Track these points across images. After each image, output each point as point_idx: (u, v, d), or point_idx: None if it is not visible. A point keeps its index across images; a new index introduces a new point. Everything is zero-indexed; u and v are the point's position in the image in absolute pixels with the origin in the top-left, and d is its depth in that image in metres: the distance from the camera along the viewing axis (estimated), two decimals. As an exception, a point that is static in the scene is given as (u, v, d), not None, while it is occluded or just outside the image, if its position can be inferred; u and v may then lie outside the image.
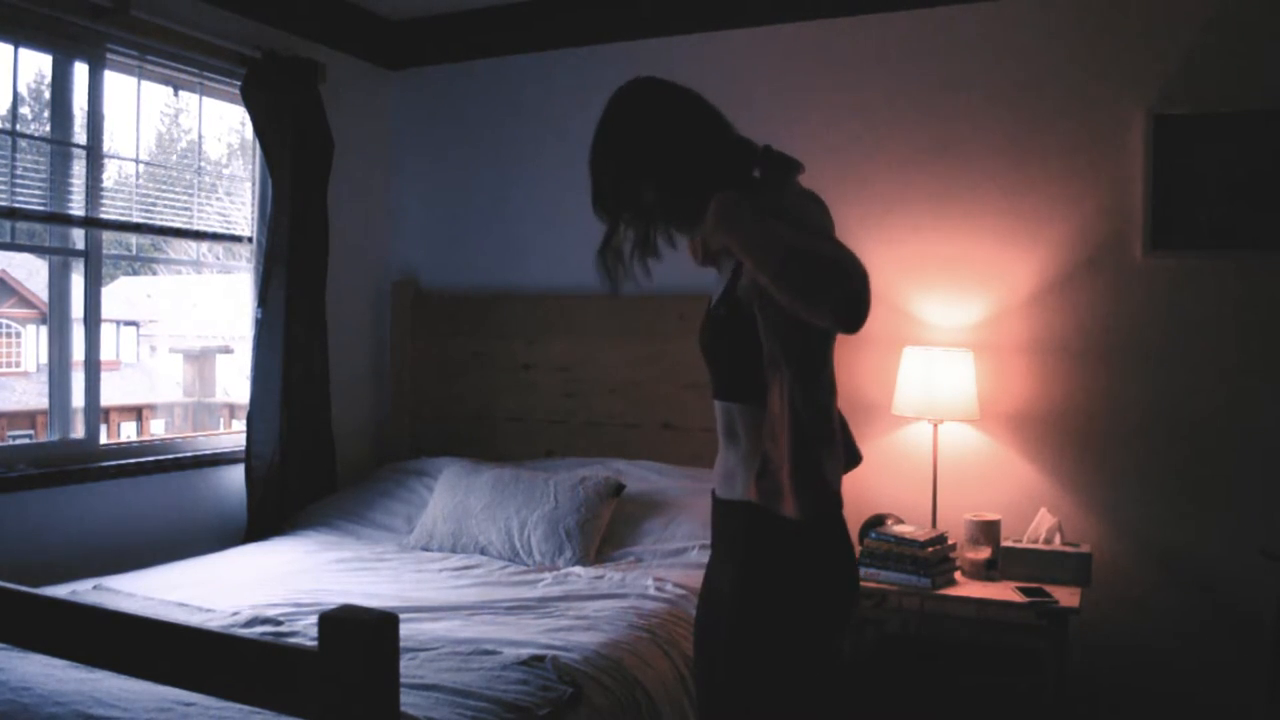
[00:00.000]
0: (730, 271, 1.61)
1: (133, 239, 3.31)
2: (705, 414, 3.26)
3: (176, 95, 3.43)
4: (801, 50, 3.40)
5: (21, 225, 2.93)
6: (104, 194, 3.08)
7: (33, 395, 5.57)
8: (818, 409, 1.55)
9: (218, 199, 3.54)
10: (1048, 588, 2.79)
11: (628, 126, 1.64)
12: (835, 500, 1.59)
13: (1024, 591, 2.77)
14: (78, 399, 3.06)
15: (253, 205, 3.55)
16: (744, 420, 1.59)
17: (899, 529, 2.96)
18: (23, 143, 2.95)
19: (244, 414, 3.43)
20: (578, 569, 2.88)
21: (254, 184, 3.56)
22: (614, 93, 1.66)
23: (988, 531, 2.96)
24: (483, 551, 3.07)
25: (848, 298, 1.37)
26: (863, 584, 2.82)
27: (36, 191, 2.91)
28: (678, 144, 1.62)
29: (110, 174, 3.21)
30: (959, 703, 2.92)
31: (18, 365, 6.13)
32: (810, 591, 1.57)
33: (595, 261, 1.66)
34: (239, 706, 1.63)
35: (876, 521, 3.05)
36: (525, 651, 2.11)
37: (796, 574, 1.56)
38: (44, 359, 3.10)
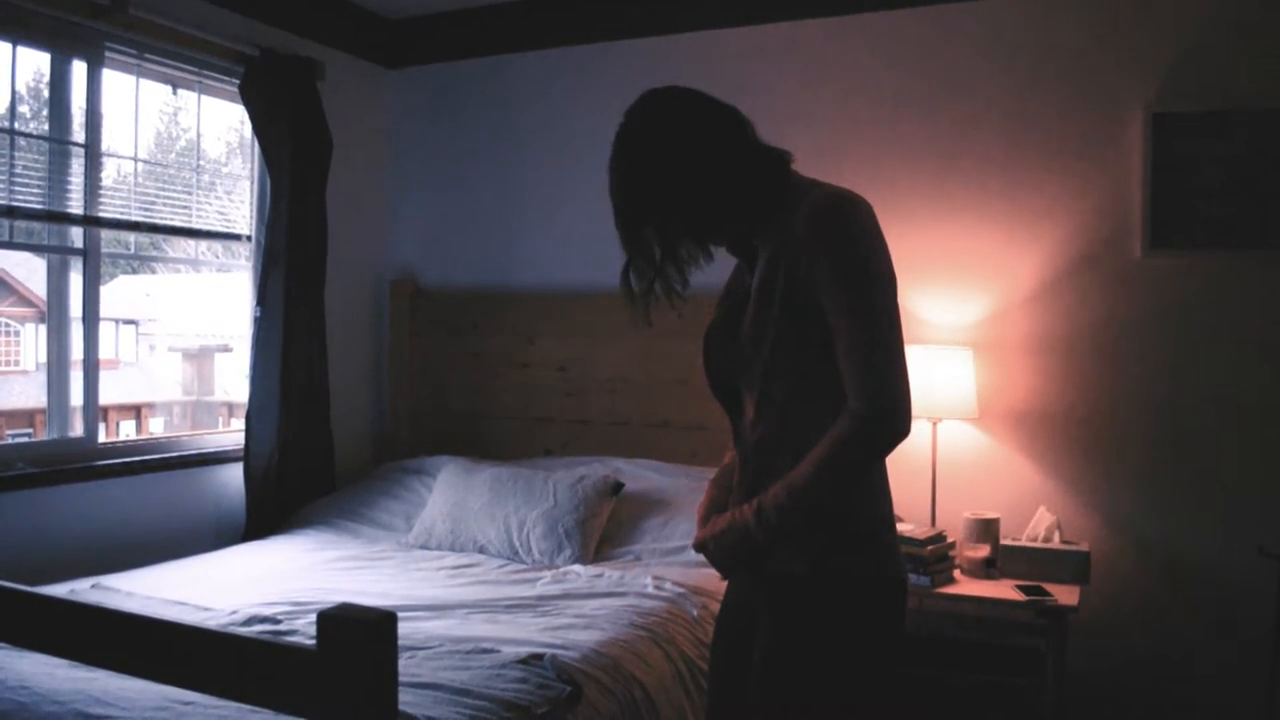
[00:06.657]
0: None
1: (131, 237, 3.31)
2: (703, 412, 3.29)
3: (175, 94, 3.43)
4: (803, 48, 3.40)
5: (20, 224, 2.93)
6: (102, 192, 3.08)
7: (31, 394, 5.57)
8: None
9: (216, 197, 3.54)
10: (1047, 586, 2.79)
11: (648, 149, 1.50)
12: None
13: (1023, 590, 2.77)
14: (76, 398, 3.06)
15: (251, 203, 3.55)
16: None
17: (898, 527, 2.95)
18: (21, 141, 2.95)
19: (243, 413, 3.43)
20: (576, 567, 2.88)
21: (253, 182, 3.55)
22: (633, 105, 1.54)
23: (987, 530, 2.96)
24: (481, 550, 3.07)
25: (882, 453, 1.51)
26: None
27: (35, 190, 2.91)
28: (704, 169, 1.50)
29: (109, 172, 3.20)
30: (958, 702, 2.92)
31: (16, 364, 6.12)
32: (897, 579, 1.62)
33: (620, 290, 1.55)
34: (237, 705, 1.63)
35: (875, 520, 3.05)
36: (524, 650, 2.11)
37: (874, 564, 1.60)
38: (43, 358, 3.10)
